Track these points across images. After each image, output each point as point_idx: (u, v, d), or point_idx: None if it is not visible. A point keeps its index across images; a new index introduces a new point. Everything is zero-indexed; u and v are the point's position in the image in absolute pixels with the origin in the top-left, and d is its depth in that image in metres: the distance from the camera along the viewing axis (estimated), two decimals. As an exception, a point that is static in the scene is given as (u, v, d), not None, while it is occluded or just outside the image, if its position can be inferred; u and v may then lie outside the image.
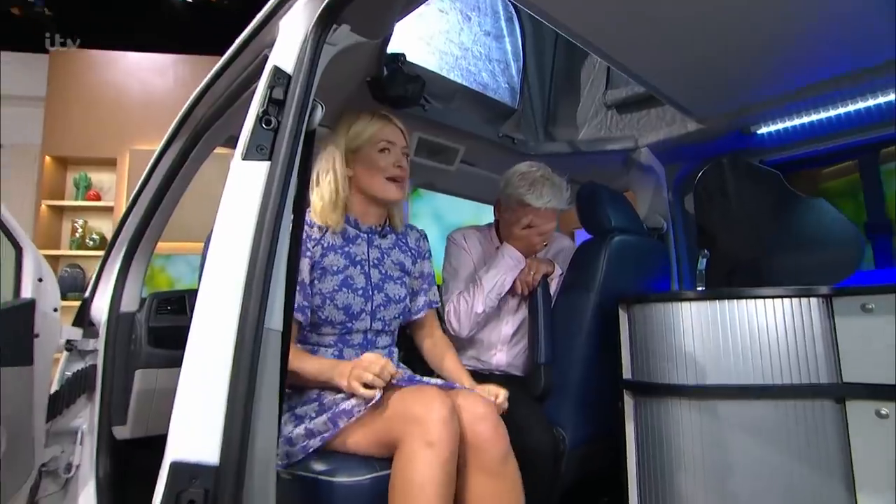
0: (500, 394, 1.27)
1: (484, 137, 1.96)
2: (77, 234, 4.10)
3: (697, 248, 2.05)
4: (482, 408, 1.13)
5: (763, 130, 1.78)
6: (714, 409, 1.35)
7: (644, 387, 1.48)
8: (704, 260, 1.65)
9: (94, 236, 4.11)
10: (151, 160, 1.60)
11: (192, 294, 1.88)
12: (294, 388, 1.26)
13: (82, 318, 1.68)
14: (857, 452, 1.25)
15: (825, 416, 1.29)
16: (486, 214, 2.88)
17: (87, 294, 1.71)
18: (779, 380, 1.30)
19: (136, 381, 1.62)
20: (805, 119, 1.69)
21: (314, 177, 1.34)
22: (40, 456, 1.44)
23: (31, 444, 1.35)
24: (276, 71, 0.97)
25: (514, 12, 2.22)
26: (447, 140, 1.93)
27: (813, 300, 1.32)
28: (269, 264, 0.88)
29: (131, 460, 1.59)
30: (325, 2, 0.97)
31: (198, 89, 1.43)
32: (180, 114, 1.52)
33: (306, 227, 1.31)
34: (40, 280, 1.40)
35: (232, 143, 1.70)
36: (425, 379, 1.25)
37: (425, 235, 1.55)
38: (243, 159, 0.92)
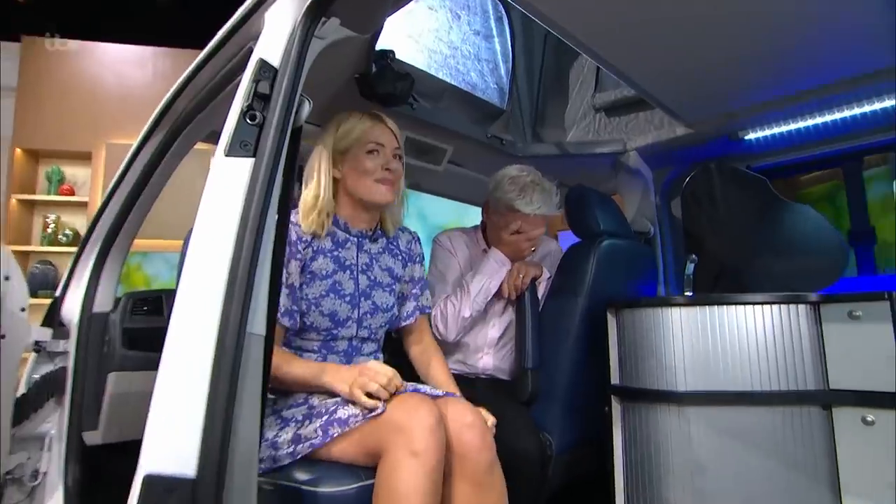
0: (489, 420, 1.23)
1: (472, 138, 1.94)
2: (49, 230, 3.96)
3: (685, 252, 2.05)
4: (470, 416, 1.10)
5: (751, 136, 1.79)
6: (702, 416, 1.35)
7: (632, 392, 1.47)
8: (692, 265, 1.65)
9: (68, 232, 3.98)
10: (128, 154, 1.54)
11: (170, 294, 1.82)
12: (278, 390, 1.22)
13: (52, 318, 1.61)
14: (842, 458, 1.26)
15: (812, 423, 1.29)
16: (469, 216, 2.86)
17: (57, 293, 1.63)
18: (766, 386, 1.30)
19: (109, 384, 1.56)
20: (792, 126, 1.70)
21: (304, 178, 1.29)
22: (5, 463, 1.37)
23: (-6, 451, 1.29)
24: (262, 64, 0.93)
25: (503, 12, 2.20)
26: (435, 140, 1.90)
27: (801, 307, 1.32)
28: (253, 265, 0.84)
29: (103, 467, 1.52)
30: (315, -7, 0.93)
31: (178, 82, 1.38)
32: (159, 107, 1.46)
33: (297, 229, 1.26)
34: (7, 278, 1.33)
35: (214, 138, 1.65)
36: (419, 387, 1.21)
37: (417, 238, 1.50)
38: (226, 155, 0.88)
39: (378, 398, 1.06)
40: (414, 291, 1.46)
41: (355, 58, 1.36)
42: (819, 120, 1.65)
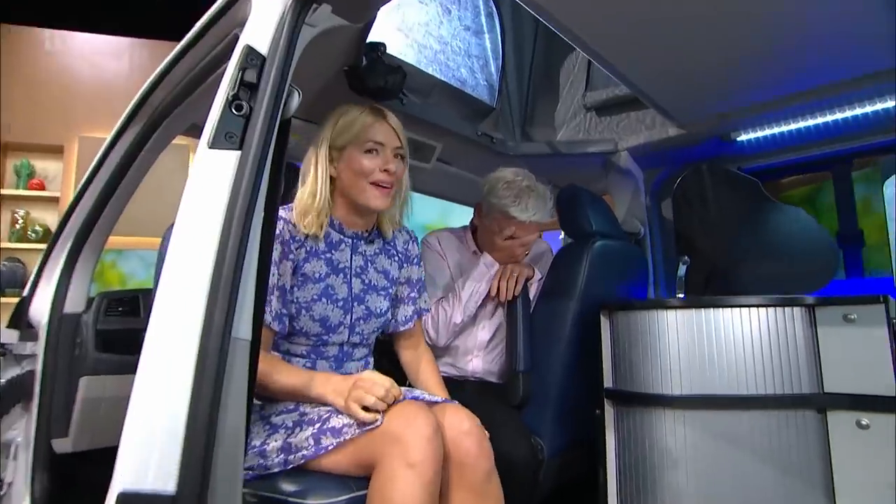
0: None
1: (462, 135, 1.90)
2: (17, 226, 3.81)
3: (676, 254, 2.04)
4: (467, 423, 1.06)
5: (742, 138, 1.78)
6: (697, 420, 1.33)
7: (626, 396, 1.44)
8: (684, 267, 1.64)
9: (37, 228, 3.83)
10: (102, 148, 1.46)
11: (147, 294, 1.75)
12: (266, 396, 1.16)
13: (20, 319, 1.53)
14: (837, 462, 1.25)
15: (807, 427, 1.28)
16: (453, 214, 2.81)
17: (25, 292, 1.55)
18: (762, 390, 1.29)
19: (81, 389, 1.49)
20: (784, 128, 1.70)
21: (301, 171, 1.22)
22: (-33, 473, 1.29)
23: (-45, 461, 1.21)
24: (249, 51, 0.87)
25: (494, 8, 2.16)
26: (424, 136, 1.86)
27: (796, 309, 1.31)
28: (239, 266, 0.78)
29: (73, 476, 1.45)
30: (306, -23, 0.88)
31: (157, 71, 1.31)
32: (136, 97, 1.39)
33: (290, 227, 1.19)
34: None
35: (195, 131, 1.58)
36: (416, 393, 1.16)
37: (415, 238, 1.44)
38: (210, 147, 0.82)
39: (376, 410, 1.00)
40: (411, 294, 1.39)
41: (345, 49, 1.31)
42: (810, 122, 1.65)
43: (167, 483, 0.72)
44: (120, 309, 1.65)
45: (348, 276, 1.25)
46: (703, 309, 1.35)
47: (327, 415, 1.04)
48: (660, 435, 1.37)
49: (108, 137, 1.45)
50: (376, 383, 1.02)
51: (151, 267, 3.54)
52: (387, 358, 1.49)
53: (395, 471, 0.92)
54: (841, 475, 1.24)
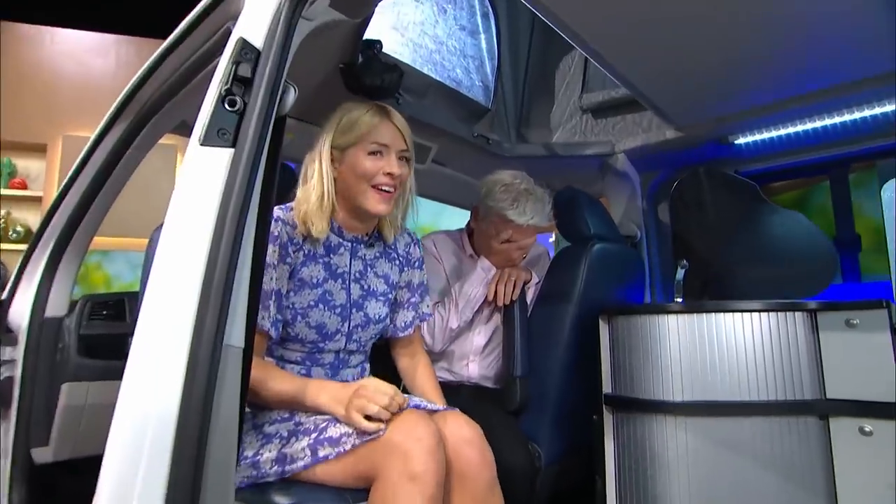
0: None
1: (458, 136, 1.87)
2: (-2, 226, 3.71)
3: (673, 257, 2.03)
4: (468, 431, 1.03)
5: (740, 141, 1.77)
6: (697, 426, 1.30)
7: (626, 402, 1.42)
8: (683, 270, 1.62)
9: (19, 228, 3.74)
10: (87, 145, 1.41)
11: (133, 297, 1.69)
12: (258, 404, 1.11)
13: (-2, 323, 1.47)
14: (840, 469, 1.23)
15: (809, 433, 1.26)
16: (445, 215, 2.78)
17: (4, 295, 1.49)
18: (763, 396, 1.27)
19: (63, 395, 1.44)
20: (782, 131, 1.69)
21: (302, 171, 1.17)
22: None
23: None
24: (243, 44, 0.84)
25: (489, 8, 2.14)
26: (419, 137, 1.81)
27: (798, 314, 1.30)
28: (231, 269, 0.75)
29: (53, 487, 1.39)
30: (304, -32, 0.84)
31: (145, 66, 1.27)
32: (123, 94, 1.35)
33: (288, 229, 1.13)
34: (-55, 279, 1.20)
35: (184, 129, 1.54)
36: (416, 400, 1.11)
37: (417, 241, 1.38)
38: (202, 144, 0.79)
39: (379, 419, 0.96)
40: (412, 300, 1.34)
41: (341, 46, 1.28)
42: (808, 126, 1.65)
43: (155, 498, 0.68)
44: (104, 313, 1.59)
45: (347, 282, 1.20)
46: (704, 314, 1.32)
47: (324, 424, 0.99)
48: (660, 441, 1.35)
49: (94, 135, 1.40)
50: (379, 391, 0.97)
51: (138, 269, 3.47)
52: (381, 364, 1.45)
53: (396, 483, 0.88)
54: (843, 482, 1.23)
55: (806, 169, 1.88)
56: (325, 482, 0.98)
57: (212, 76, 0.85)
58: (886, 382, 1.18)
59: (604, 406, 1.48)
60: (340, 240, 1.21)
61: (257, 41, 0.84)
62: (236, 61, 0.83)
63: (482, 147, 1.95)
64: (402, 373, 1.36)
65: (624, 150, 1.94)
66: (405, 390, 1.34)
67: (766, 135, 1.72)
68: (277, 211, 1.13)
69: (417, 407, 1.02)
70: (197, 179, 0.77)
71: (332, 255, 1.19)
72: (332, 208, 1.14)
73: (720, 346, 1.31)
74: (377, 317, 1.23)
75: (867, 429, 1.20)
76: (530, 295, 1.69)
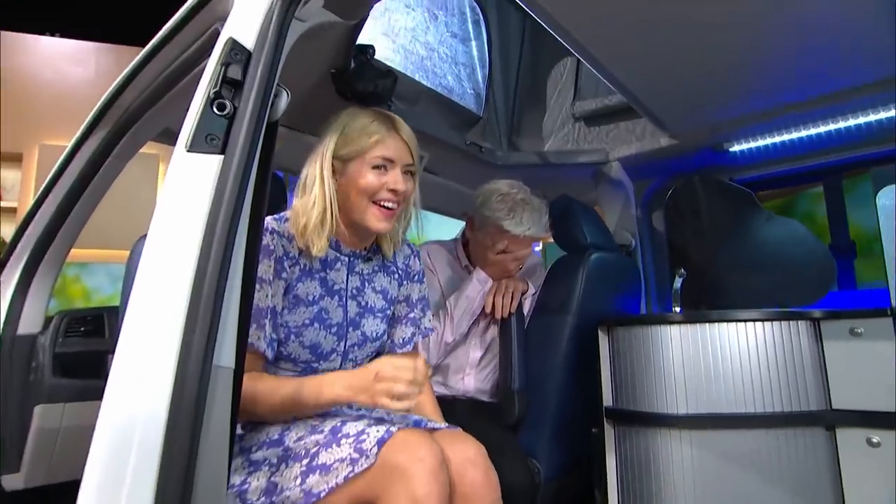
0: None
1: (450, 144, 1.83)
2: (-30, 238, 3.58)
3: (670, 266, 2.01)
4: (472, 451, 0.98)
5: (735, 148, 1.77)
6: (701, 439, 1.27)
7: (628, 415, 1.38)
8: (680, 279, 1.59)
9: (-8, 241, 3.61)
10: (64, 153, 1.35)
11: (113, 312, 1.61)
12: (246, 425, 1.04)
13: (-33, 342, 1.38)
14: (848, 482, 1.21)
15: (815, 445, 1.24)
16: (429, 225, 2.74)
17: (-27, 312, 1.41)
18: (768, 407, 1.24)
19: (36, 418, 1.35)
20: (777, 139, 1.69)
21: (300, 182, 1.10)
22: None
23: None
24: (233, 45, 0.79)
25: (480, 15, 2.12)
26: (411, 145, 1.78)
27: (801, 323, 1.28)
28: (221, 283, 0.69)
29: (25, 516, 1.31)
30: (297, -34, 0.80)
31: (126, 71, 1.21)
32: (102, 100, 1.29)
33: (283, 242, 1.07)
34: None
35: (168, 137, 1.48)
36: (414, 418, 1.06)
37: (417, 253, 1.31)
38: (188, 150, 0.74)
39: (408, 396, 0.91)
40: (411, 315, 1.27)
41: (333, 50, 1.23)
42: (803, 133, 1.64)
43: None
44: (82, 329, 1.51)
45: (344, 299, 1.14)
46: (706, 324, 1.30)
47: (315, 449, 0.93)
48: (664, 455, 1.31)
49: (71, 142, 1.34)
50: (400, 367, 0.92)
51: (119, 281, 3.37)
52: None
53: (397, 508, 0.82)
54: (851, 495, 1.20)
55: (800, 176, 1.88)
56: (320, 509, 0.91)
57: (198, 80, 0.80)
58: (894, 392, 1.16)
59: (605, 419, 1.44)
60: (337, 254, 1.15)
61: (248, 42, 0.80)
62: (226, 63, 0.78)
63: (475, 155, 1.92)
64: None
65: (618, 158, 1.92)
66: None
67: (760, 142, 1.72)
68: (271, 222, 1.06)
69: (418, 425, 0.96)
70: (183, 188, 0.72)
71: (328, 271, 1.13)
72: (333, 226, 1.07)
73: (723, 357, 1.28)
74: (374, 334, 1.17)
75: (875, 440, 1.18)
76: (527, 306, 1.65)
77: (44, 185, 1.37)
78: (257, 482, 0.92)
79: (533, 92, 2.21)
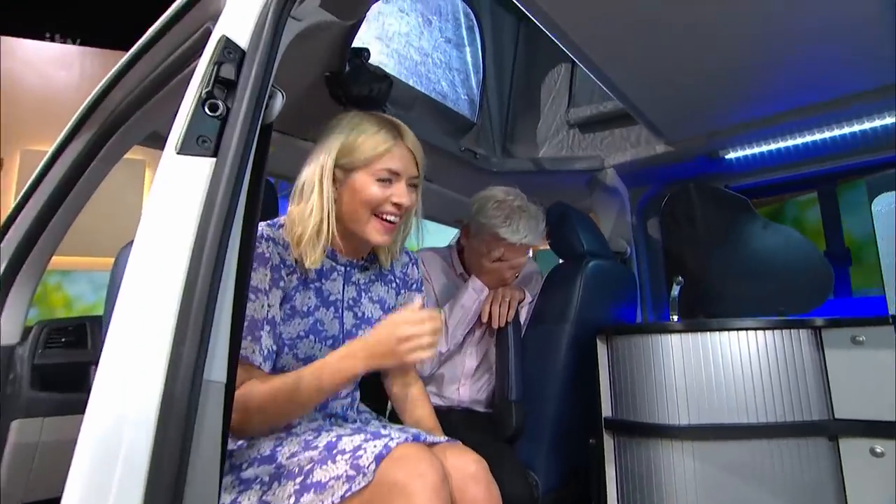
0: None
1: (445, 151, 1.80)
2: (-53, 246, 3.48)
3: (665, 274, 2.00)
4: (474, 466, 0.94)
5: (730, 156, 1.76)
6: (703, 451, 1.25)
7: (628, 426, 1.36)
8: (678, 287, 1.58)
9: (-30, 248, 3.51)
10: (46, 157, 1.30)
11: (96, 322, 1.56)
12: (235, 441, 0.99)
13: (-59, 354, 1.32)
14: (851, 492, 1.19)
15: (818, 455, 1.22)
16: (430, 234, 2.71)
17: (-52, 323, 1.34)
18: (770, 417, 1.23)
19: (13, 433, 1.29)
20: (773, 146, 1.69)
21: (296, 187, 1.05)
22: None
23: None
24: (226, 43, 0.76)
25: (474, 21, 2.10)
26: (405, 151, 1.76)
27: (802, 332, 1.27)
28: (212, 293, 0.66)
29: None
30: (294, -37, 0.77)
31: (112, 72, 1.17)
32: (87, 102, 1.24)
33: (280, 249, 1.02)
34: None
35: (156, 141, 1.43)
36: (413, 431, 1.01)
37: (416, 261, 1.28)
38: (178, 153, 0.70)
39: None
40: None
41: (328, 52, 1.20)
42: (798, 140, 1.65)
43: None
44: (63, 340, 1.45)
45: (339, 310, 1.09)
46: (706, 332, 1.28)
47: (309, 466, 0.88)
48: (665, 466, 1.29)
49: (53, 146, 1.29)
50: (412, 322, 0.94)
51: (102, 290, 3.28)
52: (373, 388, 1.35)
53: (397, 530, 0.78)
54: (856, 506, 1.19)
55: (796, 184, 1.88)
56: (316, 529, 0.87)
57: (188, 81, 0.77)
58: (896, 401, 1.15)
59: (604, 430, 1.42)
60: (333, 263, 1.10)
61: (242, 40, 0.77)
62: (218, 62, 0.75)
63: (469, 162, 1.90)
64: (393, 400, 1.25)
65: (613, 165, 1.91)
66: (396, 420, 1.25)
67: (755, 150, 1.72)
68: (265, 228, 1.02)
69: (416, 439, 0.92)
70: (173, 192, 0.68)
71: (323, 281, 1.08)
72: (329, 237, 1.02)
73: (724, 366, 1.26)
74: None
75: (878, 449, 1.17)
76: (523, 315, 1.62)
77: (25, 189, 1.32)
78: (248, 502, 0.88)
79: (527, 98, 2.20)
